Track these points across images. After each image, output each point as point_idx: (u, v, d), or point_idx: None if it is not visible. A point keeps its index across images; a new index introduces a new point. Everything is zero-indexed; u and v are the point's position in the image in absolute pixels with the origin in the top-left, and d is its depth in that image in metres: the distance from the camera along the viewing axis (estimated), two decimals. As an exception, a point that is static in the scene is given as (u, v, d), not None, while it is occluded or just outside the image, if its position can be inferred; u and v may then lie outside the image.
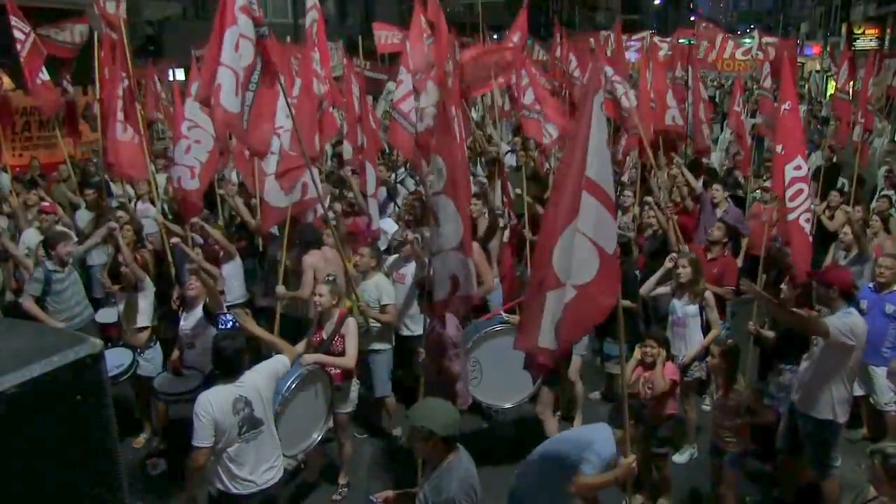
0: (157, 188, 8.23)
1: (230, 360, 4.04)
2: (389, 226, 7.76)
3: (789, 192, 5.69)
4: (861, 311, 5.03)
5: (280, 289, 6.13)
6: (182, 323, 5.59)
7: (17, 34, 8.65)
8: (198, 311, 5.50)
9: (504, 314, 5.80)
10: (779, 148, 5.89)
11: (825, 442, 4.88)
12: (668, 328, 5.84)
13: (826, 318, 4.73)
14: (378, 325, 5.87)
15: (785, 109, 5.86)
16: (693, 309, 5.76)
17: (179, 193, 6.59)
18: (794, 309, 5.21)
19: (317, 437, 5.05)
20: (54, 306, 6.19)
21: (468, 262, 4.57)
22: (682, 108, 12.18)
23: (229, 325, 5.01)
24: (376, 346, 5.93)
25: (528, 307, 3.69)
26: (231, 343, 4.07)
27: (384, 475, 5.79)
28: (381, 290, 5.81)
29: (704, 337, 5.74)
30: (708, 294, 5.83)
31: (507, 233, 7.56)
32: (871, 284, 5.92)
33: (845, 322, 4.61)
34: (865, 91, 10.71)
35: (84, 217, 8.19)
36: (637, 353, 5.19)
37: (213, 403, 3.88)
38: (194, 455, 3.88)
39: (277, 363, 4.36)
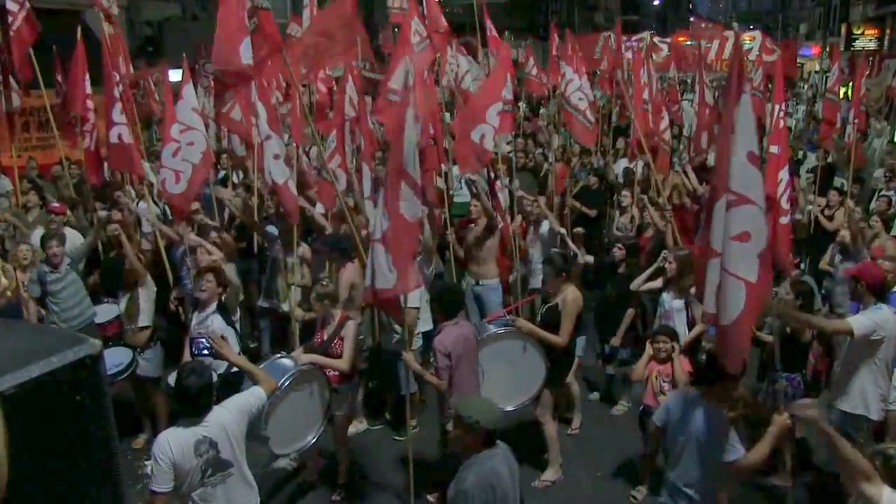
0: (150, 189, 8.22)
1: (194, 399, 3.69)
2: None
3: (786, 196, 5.73)
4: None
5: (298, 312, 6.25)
6: (194, 322, 5.58)
7: (11, 6, 8.45)
8: (211, 310, 5.49)
9: (508, 316, 5.79)
10: (774, 149, 5.91)
11: (846, 434, 4.90)
12: (657, 321, 5.91)
13: (852, 317, 4.82)
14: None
15: (780, 111, 5.87)
16: (679, 303, 5.80)
17: (164, 196, 6.60)
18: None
19: (311, 438, 5.02)
20: (53, 306, 6.20)
21: (387, 258, 4.52)
22: (675, 110, 12.10)
23: (204, 351, 4.73)
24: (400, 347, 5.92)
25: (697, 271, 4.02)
26: (196, 380, 3.68)
27: (385, 476, 5.80)
28: None
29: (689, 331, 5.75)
30: (693, 290, 5.85)
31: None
32: None
33: (872, 318, 4.70)
34: (858, 91, 10.70)
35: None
36: (649, 349, 5.22)
37: (173, 445, 3.59)
38: (151, 501, 3.62)
39: (251, 397, 3.97)
